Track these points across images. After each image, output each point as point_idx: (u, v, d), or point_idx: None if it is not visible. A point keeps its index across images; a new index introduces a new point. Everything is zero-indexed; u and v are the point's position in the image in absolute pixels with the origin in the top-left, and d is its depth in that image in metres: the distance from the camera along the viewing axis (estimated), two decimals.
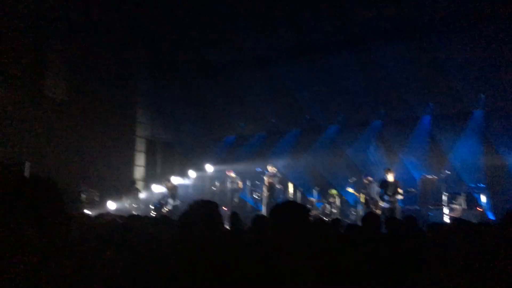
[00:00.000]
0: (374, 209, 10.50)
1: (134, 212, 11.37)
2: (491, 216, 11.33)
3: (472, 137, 12.42)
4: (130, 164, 15.18)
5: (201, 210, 2.59)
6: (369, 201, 11.29)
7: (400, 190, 10.11)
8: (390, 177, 10.30)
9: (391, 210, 10.03)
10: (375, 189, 11.01)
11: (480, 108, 12.46)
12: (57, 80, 12.66)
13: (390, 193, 10.16)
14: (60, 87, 12.68)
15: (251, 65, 14.10)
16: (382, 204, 10.28)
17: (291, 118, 15.39)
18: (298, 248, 2.30)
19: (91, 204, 12.00)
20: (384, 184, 10.37)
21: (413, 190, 10.85)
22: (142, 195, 13.72)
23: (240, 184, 14.11)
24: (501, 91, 11.76)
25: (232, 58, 13.91)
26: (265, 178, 13.09)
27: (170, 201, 12.38)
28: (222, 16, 11.44)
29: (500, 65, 11.30)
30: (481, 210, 10.43)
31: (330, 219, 11.20)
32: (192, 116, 15.49)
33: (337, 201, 12.64)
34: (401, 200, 10.30)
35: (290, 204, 2.62)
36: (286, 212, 2.45)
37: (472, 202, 11.12)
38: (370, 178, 11.83)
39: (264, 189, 13.12)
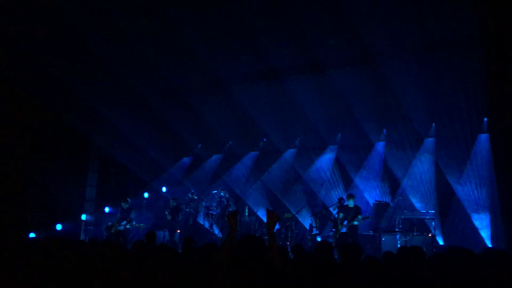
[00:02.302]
0: (335, 234, 10.59)
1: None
2: (440, 242, 11.65)
3: (423, 164, 12.77)
4: (82, 184, 14.72)
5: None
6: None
7: (359, 216, 10.28)
8: (351, 203, 10.48)
9: (347, 235, 10.14)
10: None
11: (431, 136, 12.86)
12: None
13: (349, 218, 10.31)
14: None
15: (209, 88, 14.05)
16: (340, 228, 10.38)
17: (249, 140, 15.42)
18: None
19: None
20: (344, 209, 10.51)
21: (367, 217, 11.02)
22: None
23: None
24: (450, 120, 12.21)
25: (190, 80, 13.82)
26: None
27: (123, 222, 12.12)
28: (181, 38, 11.36)
29: (449, 95, 11.76)
30: (431, 235, 10.67)
31: (290, 244, 11.23)
32: (148, 137, 15.21)
33: (293, 225, 12.64)
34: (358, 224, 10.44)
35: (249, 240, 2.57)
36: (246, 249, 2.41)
37: (423, 227, 11.40)
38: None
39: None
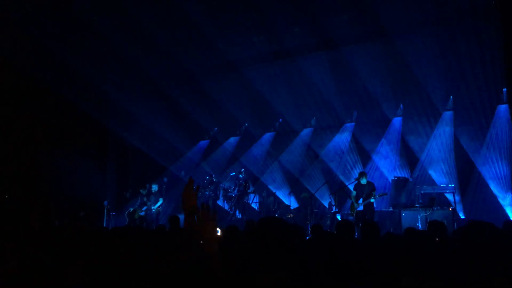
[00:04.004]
0: (351, 212, 10.61)
1: None
2: (461, 215, 11.59)
3: (442, 138, 12.64)
4: (102, 171, 14.97)
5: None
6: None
7: (373, 193, 10.24)
8: (364, 180, 10.44)
9: (363, 213, 10.15)
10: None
11: (449, 109, 12.69)
12: None
13: (364, 196, 10.29)
14: None
15: (223, 70, 14.05)
16: (357, 207, 10.39)
17: (265, 121, 15.42)
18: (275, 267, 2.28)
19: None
20: (358, 187, 10.50)
21: (385, 193, 10.98)
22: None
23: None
24: (468, 92, 12.02)
25: (204, 63, 13.83)
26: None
27: (143, 207, 12.35)
28: (194, 22, 11.34)
29: (466, 66, 11.55)
30: (451, 209, 10.61)
31: (310, 223, 11.29)
32: (165, 122, 15.32)
33: (312, 203, 12.68)
34: (375, 202, 10.41)
35: (270, 220, 2.59)
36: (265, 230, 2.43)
37: (444, 201, 11.35)
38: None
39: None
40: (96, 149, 14.83)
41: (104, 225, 13.02)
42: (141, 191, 12.69)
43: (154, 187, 12.69)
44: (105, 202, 13.50)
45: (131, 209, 12.51)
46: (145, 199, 12.50)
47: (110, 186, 15.25)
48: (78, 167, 13.21)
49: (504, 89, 11.72)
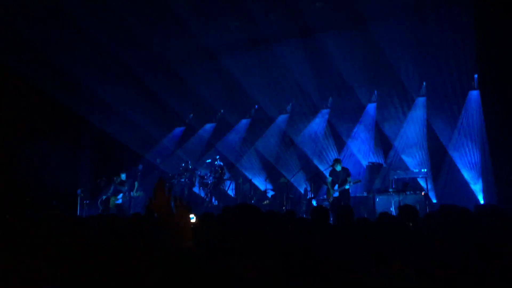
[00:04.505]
0: (327, 198, 10.71)
1: None
2: (434, 200, 11.85)
3: (415, 124, 12.84)
4: (75, 160, 14.72)
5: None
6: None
7: (349, 179, 10.35)
8: (339, 167, 10.54)
9: (339, 199, 10.27)
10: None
11: (422, 95, 12.87)
12: None
13: (339, 182, 10.40)
14: None
15: (199, 56, 13.90)
16: (333, 193, 10.49)
17: (240, 108, 15.38)
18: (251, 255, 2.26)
19: None
20: (333, 173, 10.60)
21: (359, 181, 11.12)
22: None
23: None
24: (441, 79, 12.22)
25: (180, 49, 13.65)
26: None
27: (119, 195, 12.21)
28: (169, 7, 11.14)
29: (439, 53, 11.72)
30: (424, 194, 10.82)
31: (284, 211, 11.34)
32: (140, 109, 15.11)
33: (288, 190, 12.76)
34: (350, 188, 10.54)
35: (243, 208, 2.57)
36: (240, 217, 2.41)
37: (416, 186, 11.57)
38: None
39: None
40: (69, 136, 14.52)
41: (78, 213, 12.85)
42: (114, 178, 12.53)
43: (123, 176, 12.57)
44: (78, 191, 13.30)
45: (104, 197, 12.35)
46: (118, 187, 12.36)
47: (83, 174, 15.00)
48: (51, 155, 12.93)
49: (476, 75, 11.93)
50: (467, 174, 11.94)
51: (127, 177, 12.76)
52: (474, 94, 12.09)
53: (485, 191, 11.32)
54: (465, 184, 11.89)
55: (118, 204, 12.12)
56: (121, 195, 12.23)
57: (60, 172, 13.21)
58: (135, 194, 12.40)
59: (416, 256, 2.49)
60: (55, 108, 13.62)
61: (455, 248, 2.42)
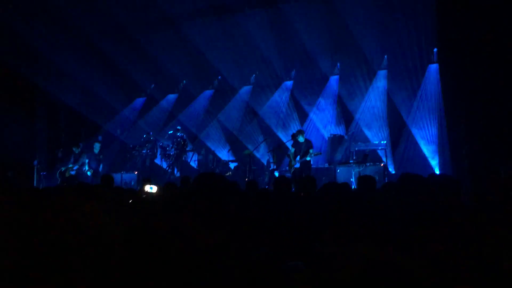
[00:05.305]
0: (289, 169, 10.81)
1: None
2: (392, 170, 12.18)
3: (376, 97, 13.02)
4: (31, 131, 14.21)
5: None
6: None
7: (310, 151, 10.45)
8: (301, 138, 10.62)
9: (301, 170, 10.38)
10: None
11: (384, 68, 13.04)
12: None
13: (301, 154, 10.49)
14: None
15: (161, 25, 13.52)
16: (294, 164, 10.59)
17: (203, 79, 15.16)
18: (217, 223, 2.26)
19: None
20: (296, 145, 10.68)
21: (319, 153, 11.25)
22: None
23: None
24: (402, 52, 12.37)
25: (140, 17, 13.21)
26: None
27: (75, 166, 11.94)
28: None
29: (400, 26, 11.84)
30: (383, 165, 11.09)
31: (246, 180, 11.39)
32: (99, 79, 14.65)
33: (251, 161, 12.80)
34: (311, 159, 10.66)
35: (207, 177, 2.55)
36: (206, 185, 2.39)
37: (376, 158, 11.84)
38: None
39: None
40: (24, 106, 13.94)
41: (34, 185, 12.50)
42: (73, 149, 12.20)
43: (82, 147, 12.29)
44: (35, 162, 12.91)
45: (63, 169, 12.04)
46: (77, 158, 12.07)
47: (40, 145, 14.51)
48: (4, 125, 12.43)
49: (435, 49, 12.14)
50: (424, 147, 12.27)
51: (85, 148, 12.46)
52: (433, 67, 12.32)
53: (441, 164, 11.68)
54: (423, 157, 12.23)
55: (73, 176, 11.84)
56: (76, 166, 11.95)
57: (15, 143, 12.75)
58: (85, 171, 12.03)
59: (371, 220, 2.54)
60: (8, 76, 13.00)
61: (408, 213, 2.49)
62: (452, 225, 2.23)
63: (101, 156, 12.44)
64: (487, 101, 9.72)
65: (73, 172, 11.86)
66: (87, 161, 12.13)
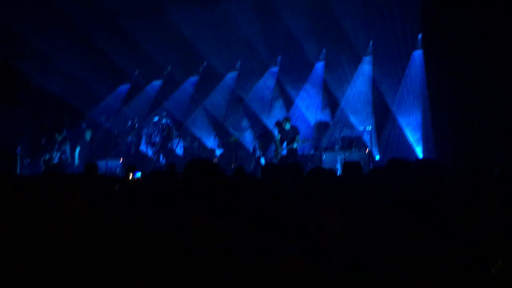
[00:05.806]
0: (275, 156, 10.85)
1: None
2: (377, 157, 12.28)
3: (361, 83, 13.06)
4: (13, 118, 13.97)
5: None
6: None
7: (297, 137, 10.49)
8: (288, 125, 10.65)
9: (287, 157, 10.42)
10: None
11: (369, 54, 13.06)
12: None
13: (287, 140, 10.53)
14: None
15: (145, 11, 13.31)
16: (281, 151, 10.62)
17: (188, 65, 15.00)
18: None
19: None
20: (282, 131, 10.70)
21: (307, 139, 11.30)
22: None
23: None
24: (387, 38, 12.40)
25: (125, 4, 12.98)
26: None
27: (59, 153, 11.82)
28: None
29: (386, 11, 11.84)
30: (368, 151, 11.17)
31: (233, 169, 11.40)
32: (82, 64, 14.41)
33: (236, 148, 12.80)
34: (298, 146, 10.70)
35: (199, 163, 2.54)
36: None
37: (361, 144, 11.91)
38: None
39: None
40: (5, 92, 13.68)
41: (18, 173, 12.34)
42: (56, 135, 12.05)
43: (65, 133, 12.15)
44: (18, 149, 12.71)
45: (48, 156, 11.90)
46: (60, 145, 11.94)
47: (22, 132, 14.27)
48: None
49: (420, 35, 12.18)
50: (409, 133, 12.37)
51: (69, 134, 12.32)
52: (418, 53, 12.38)
53: (426, 150, 11.81)
54: (408, 143, 12.34)
55: (55, 164, 11.73)
56: (59, 154, 11.83)
57: None
58: (64, 159, 11.92)
59: (359, 205, 2.56)
60: None
61: (397, 197, 2.51)
62: (441, 210, 2.26)
63: (93, 144, 12.30)
64: (471, 87, 9.83)
65: (56, 160, 11.74)
66: (69, 148, 12.00)
